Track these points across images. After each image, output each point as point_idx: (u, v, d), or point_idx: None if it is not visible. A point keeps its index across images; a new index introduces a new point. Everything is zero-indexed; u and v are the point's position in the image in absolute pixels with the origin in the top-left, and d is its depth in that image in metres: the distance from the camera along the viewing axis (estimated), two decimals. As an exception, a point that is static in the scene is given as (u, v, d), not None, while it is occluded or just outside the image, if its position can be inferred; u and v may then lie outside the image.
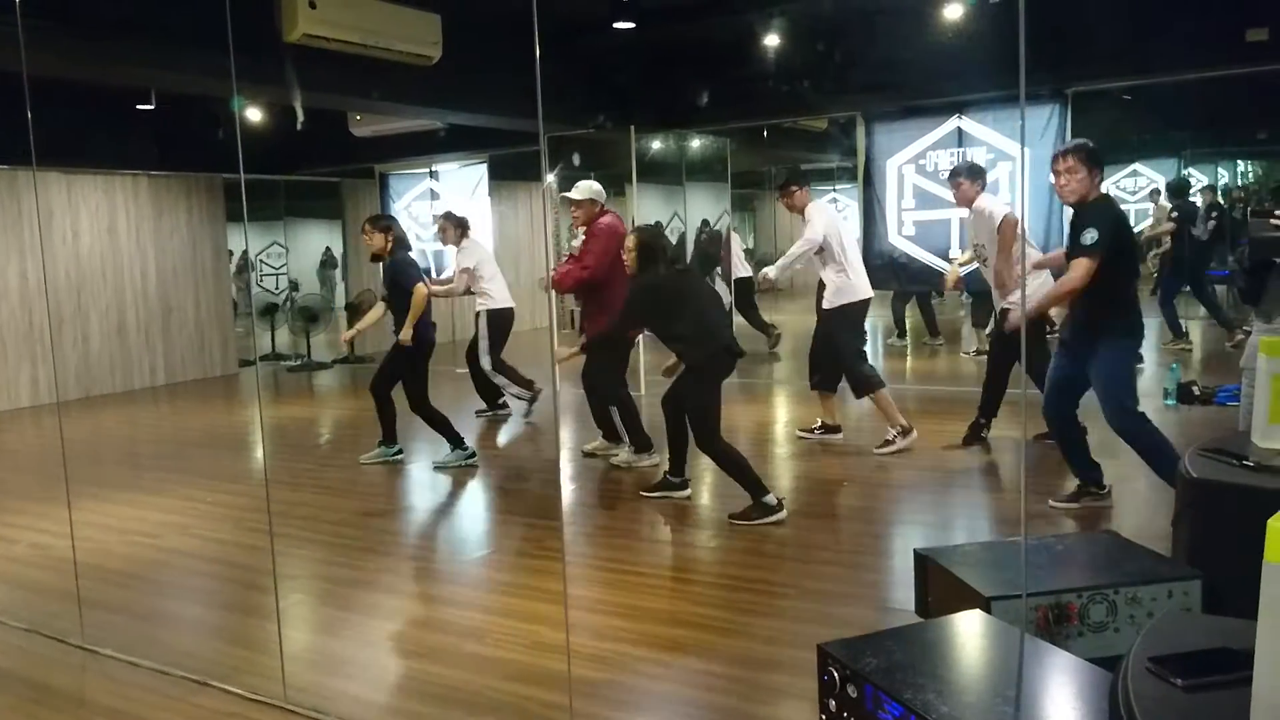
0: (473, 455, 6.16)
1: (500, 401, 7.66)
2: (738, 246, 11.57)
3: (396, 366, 6.08)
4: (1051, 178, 4.40)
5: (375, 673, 3.34)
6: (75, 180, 9.50)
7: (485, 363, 7.28)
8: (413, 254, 6.50)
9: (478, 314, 7.30)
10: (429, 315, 6.08)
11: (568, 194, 6.07)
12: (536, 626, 3.61)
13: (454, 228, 7.38)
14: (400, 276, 6.04)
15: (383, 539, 4.91)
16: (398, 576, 4.37)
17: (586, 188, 5.97)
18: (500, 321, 7.27)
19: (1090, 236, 4.11)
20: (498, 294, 7.28)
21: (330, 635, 3.70)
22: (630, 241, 5.15)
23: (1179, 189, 9.89)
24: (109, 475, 6.31)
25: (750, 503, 4.72)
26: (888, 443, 5.97)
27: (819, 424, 6.45)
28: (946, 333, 11.39)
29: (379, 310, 6.30)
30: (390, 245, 6.06)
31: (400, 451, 6.33)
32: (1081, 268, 4.14)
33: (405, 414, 6.17)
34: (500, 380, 7.38)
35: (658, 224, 6.47)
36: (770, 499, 4.72)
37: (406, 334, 5.92)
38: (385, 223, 6.25)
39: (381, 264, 6.38)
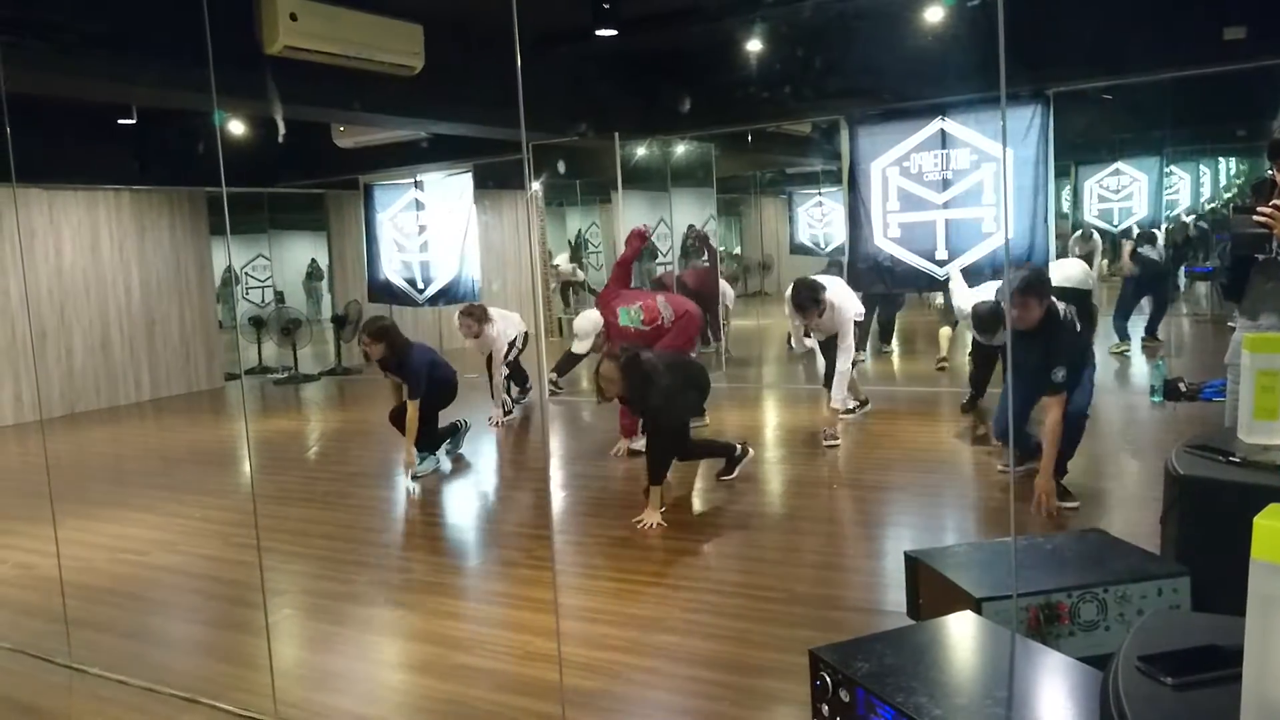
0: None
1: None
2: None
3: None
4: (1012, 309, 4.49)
5: (366, 686, 3.32)
6: (56, 196, 9.45)
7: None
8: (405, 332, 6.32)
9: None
10: (443, 366, 6.36)
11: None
12: (528, 636, 3.60)
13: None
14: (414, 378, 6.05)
15: (372, 551, 4.89)
16: (388, 589, 4.34)
17: None
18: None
19: (1060, 375, 4.37)
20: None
21: (320, 650, 3.68)
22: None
23: (1148, 239, 10.04)
24: (95, 492, 6.26)
25: None
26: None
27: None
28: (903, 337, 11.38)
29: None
30: (394, 350, 5.99)
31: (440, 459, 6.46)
32: (1058, 407, 4.40)
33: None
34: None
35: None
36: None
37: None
38: (379, 326, 6.08)
39: (385, 364, 6.13)
